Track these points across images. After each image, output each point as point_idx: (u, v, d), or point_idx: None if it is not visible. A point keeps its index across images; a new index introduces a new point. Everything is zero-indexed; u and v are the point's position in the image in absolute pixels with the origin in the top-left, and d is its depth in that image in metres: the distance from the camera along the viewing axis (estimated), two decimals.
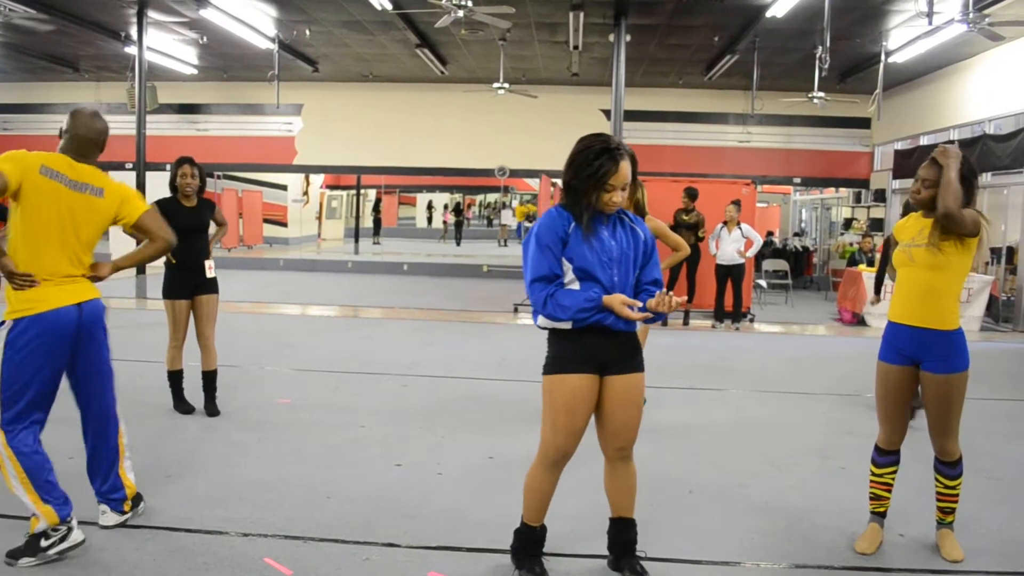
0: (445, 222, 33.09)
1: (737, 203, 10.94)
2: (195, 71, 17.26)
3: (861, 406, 6.69)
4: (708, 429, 5.90)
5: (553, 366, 3.20)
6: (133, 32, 13.90)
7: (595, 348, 3.13)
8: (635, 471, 3.36)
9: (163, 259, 5.69)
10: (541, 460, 3.28)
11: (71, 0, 12.55)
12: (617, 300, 3.03)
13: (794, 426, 6.10)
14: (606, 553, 3.43)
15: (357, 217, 26.89)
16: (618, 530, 3.38)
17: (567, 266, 3.10)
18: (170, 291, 5.80)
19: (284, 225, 25.66)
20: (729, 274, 11.04)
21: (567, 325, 3.11)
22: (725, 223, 10.94)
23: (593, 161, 3.03)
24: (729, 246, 10.88)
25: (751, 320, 11.90)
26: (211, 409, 5.91)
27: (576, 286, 3.10)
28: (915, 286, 3.60)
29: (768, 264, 15.75)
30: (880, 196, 17.29)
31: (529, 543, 3.35)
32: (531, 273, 3.11)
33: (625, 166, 3.04)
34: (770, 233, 20.04)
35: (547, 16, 12.61)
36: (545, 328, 3.22)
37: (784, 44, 13.49)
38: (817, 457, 5.27)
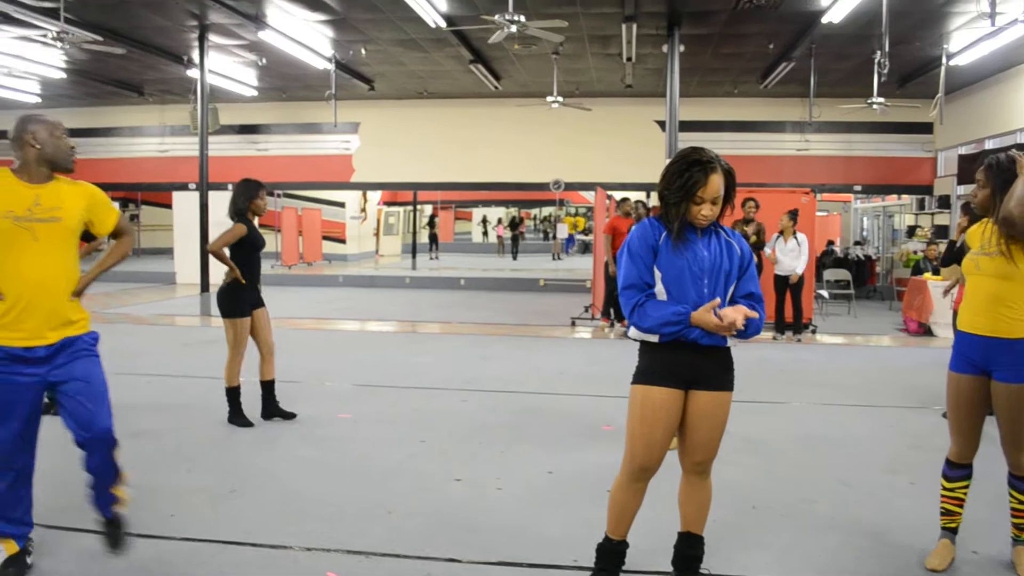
0: (500, 236, 33.19)
1: (792, 213, 10.80)
2: (255, 92, 17.62)
3: (930, 419, 6.52)
4: (771, 443, 5.81)
5: (639, 377, 3.19)
6: (195, 56, 14.27)
7: (682, 362, 3.11)
8: (711, 489, 3.32)
9: (229, 277, 5.85)
10: (623, 471, 3.26)
11: (136, 26, 12.93)
12: (707, 315, 3.00)
13: (860, 440, 5.97)
14: (670, 569, 3.38)
15: (414, 233, 27.09)
16: (685, 545, 3.34)
17: (657, 275, 3.10)
18: (236, 310, 5.95)
19: (343, 242, 25.98)
20: (787, 285, 10.89)
21: (655, 338, 3.10)
22: (781, 233, 10.80)
23: (683, 173, 3.04)
24: (785, 256, 10.75)
25: (813, 331, 11.70)
26: (283, 412, 6.22)
27: (665, 297, 3.09)
28: (982, 295, 3.52)
29: (830, 274, 15.45)
30: (944, 202, 16.86)
31: (607, 557, 3.33)
32: (622, 281, 3.14)
33: (716, 179, 3.03)
34: (830, 242, 19.68)
35: (600, 29, 12.60)
36: (636, 340, 3.21)
37: (841, 50, 13.28)
38: (885, 472, 5.15)
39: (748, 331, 3.08)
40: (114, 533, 3.52)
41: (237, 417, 6.08)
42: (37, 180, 3.40)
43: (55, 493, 4.45)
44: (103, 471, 3.49)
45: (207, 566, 3.57)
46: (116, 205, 3.57)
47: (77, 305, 3.47)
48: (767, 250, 10.76)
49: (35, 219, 3.31)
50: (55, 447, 5.43)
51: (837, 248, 19.64)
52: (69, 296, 3.41)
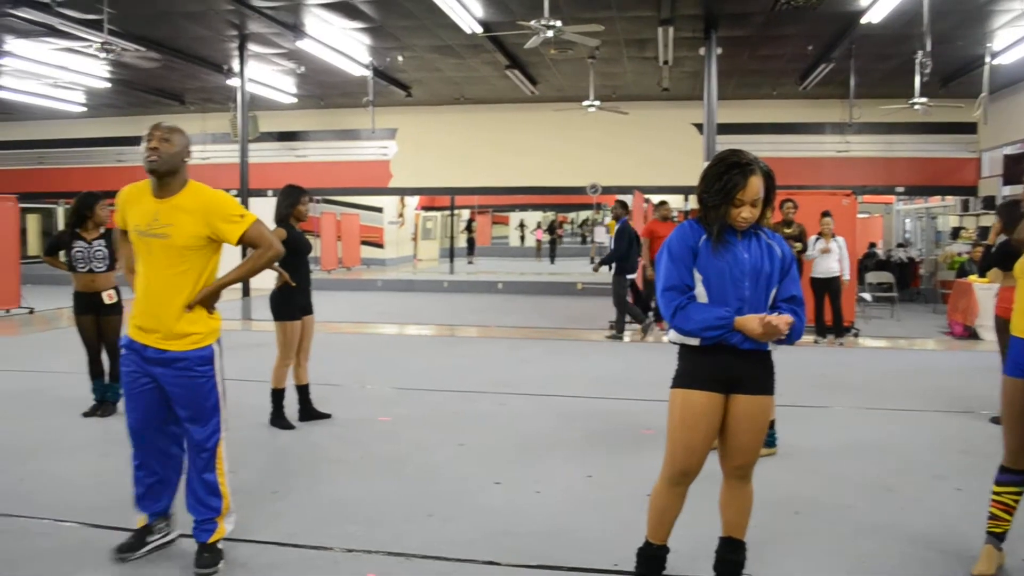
0: (538, 240, 33.19)
1: (829, 214, 10.71)
2: (294, 100, 17.83)
3: (977, 424, 6.39)
4: (813, 448, 5.73)
5: (679, 380, 3.17)
6: (235, 65, 14.49)
7: (723, 366, 3.08)
8: (752, 494, 3.29)
9: (280, 282, 5.96)
10: (663, 475, 3.24)
11: (177, 37, 13.14)
12: (753, 322, 2.98)
13: (904, 445, 5.87)
14: (711, 574, 3.35)
15: (452, 237, 27.20)
16: (727, 550, 3.31)
17: (697, 278, 3.08)
18: (287, 313, 6.06)
19: (381, 247, 26.15)
20: (826, 288, 10.77)
21: (696, 341, 3.08)
22: (820, 235, 10.69)
23: (722, 176, 3.02)
24: (825, 259, 10.63)
25: (855, 335, 11.55)
26: (319, 414, 6.35)
27: (706, 299, 3.07)
28: None
29: (872, 276, 15.23)
30: (990, 203, 16.54)
31: (647, 561, 3.32)
32: (662, 283, 3.11)
33: (755, 181, 3.01)
34: (872, 245, 19.41)
35: (636, 32, 12.57)
36: (676, 343, 3.19)
37: (882, 50, 13.12)
38: (930, 477, 5.06)
39: (791, 337, 3.06)
40: (202, 559, 3.56)
41: (279, 420, 6.16)
42: (161, 194, 3.53)
43: (99, 492, 4.54)
44: (195, 488, 3.61)
45: (248, 567, 3.61)
46: (247, 215, 3.62)
47: (193, 319, 3.53)
48: (810, 252, 10.65)
49: (151, 234, 3.48)
50: (101, 447, 5.54)
51: (879, 250, 19.37)
52: (181, 309, 3.49)
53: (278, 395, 6.18)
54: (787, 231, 10.52)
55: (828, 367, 9.07)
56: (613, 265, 11.17)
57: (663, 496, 3.24)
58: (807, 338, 11.17)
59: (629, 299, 11.37)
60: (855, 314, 12.24)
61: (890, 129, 16.93)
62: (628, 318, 11.28)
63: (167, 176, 3.51)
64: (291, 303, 6.07)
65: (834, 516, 4.31)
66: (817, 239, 10.68)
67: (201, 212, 3.49)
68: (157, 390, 3.57)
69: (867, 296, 14.13)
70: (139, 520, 3.72)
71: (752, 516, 3.31)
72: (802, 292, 3.18)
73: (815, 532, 4.09)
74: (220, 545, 3.63)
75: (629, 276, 11.21)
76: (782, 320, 2.97)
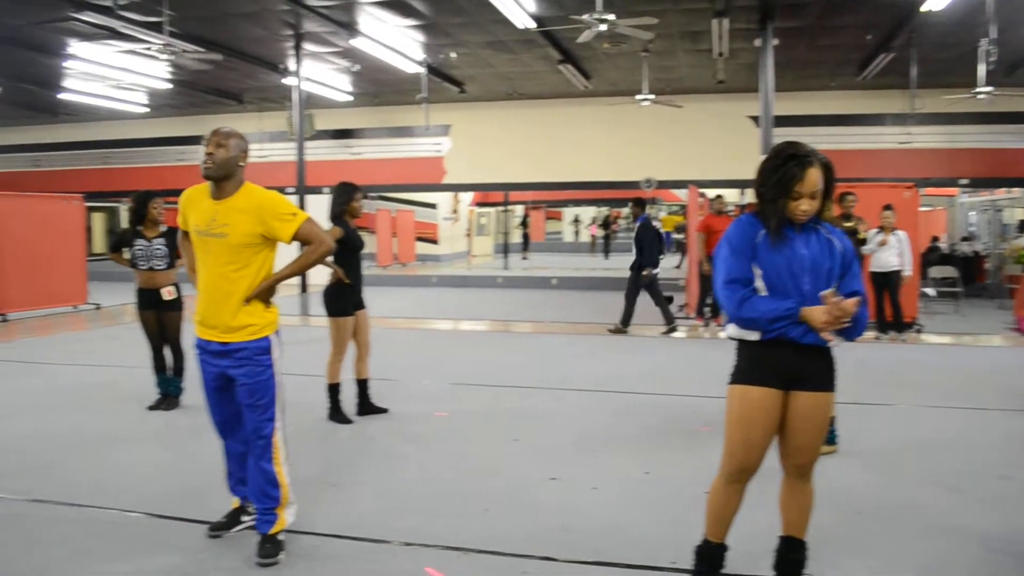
0: (593, 236, 33.07)
1: (891, 207, 10.50)
2: (349, 97, 18.01)
3: None
4: (876, 446, 5.62)
5: (736, 376, 3.14)
6: (291, 64, 14.69)
7: (782, 361, 3.04)
8: (813, 493, 3.24)
9: (333, 278, 6.04)
10: (721, 472, 3.22)
11: (235, 38, 13.37)
12: (819, 311, 2.93)
13: (970, 444, 5.73)
14: (772, 574, 3.31)
15: (506, 233, 27.24)
16: (787, 549, 3.27)
17: (757, 272, 3.04)
18: (342, 309, 6.14)
19: (435, 243, 26.31)
20: (886, 282, 10.57)
21: (755, 336, 3.04)
22: (881, 228, 10.48)
23: (779, 168, 2.99)
24: (884, 252, 10.42)
25: (918, 331, 11.30)
26: (377, 408, 6.44)
27: (765, 294, 3.03)
28: None
29: (935, 271, 14.88)
30: None
31: (705, 559, 3.29)
32: (723, 275, 3.07)
33: (813, 173, 2.97)
34: (935, 238, 18.97)
35: (690, 24, 12.44)
36: (734, 338, 3.16)
37: (944, 39, 12.78)
38: (996, 477, 4.92)
39: (853, 331, 2.99)
40: (263, 549, 3.66)
41: (337, 414, 6.24)
42: (219, 195, 3.66)
43: (163, 483, 4.65)
44: (255, 476, 3.73)
45: (309, 558, 3.67)
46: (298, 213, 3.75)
47: (250, 311, 3.67)
48: (869, 245, 10.45)
49: (210, 234, 3.62)
50: (165, 439, 5.67)
51: (943, 244, 18.92)
52: (239, 304, 3.64)
53: (334, 390, 6.27)
54: (847, 225, 10.32)
55: (891, 364, 8.89)
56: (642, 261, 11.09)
57: (721, 493, 3.22)
58: (868, 334, 10.97)
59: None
60: (918, 310, 11.97)
61: (953, 119, 16.47)
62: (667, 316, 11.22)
63: (223, 179, 3.64)
64: (344, 299, 6.14)
65: (897, 517, 4.22)
66: (877, 232, 10.47)
67: (255, 212, 3.62)
68: (229, 384, 3.73)
69: (930, 291, 13.81)
70: (233, 502, 3.92)
71: (813, 515, 3.26)
72: (865, 288, 3.11)
73: (878, 533, 4.01)
74: (281, 537, 3.71)
75: (651, 271, 11.05)
76: (849, 302, 2.91)
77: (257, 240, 3.64)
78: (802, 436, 3.10)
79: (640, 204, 11.49)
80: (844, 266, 3.09)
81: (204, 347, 3.73)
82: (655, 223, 12.21)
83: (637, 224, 11.26)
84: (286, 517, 3.76)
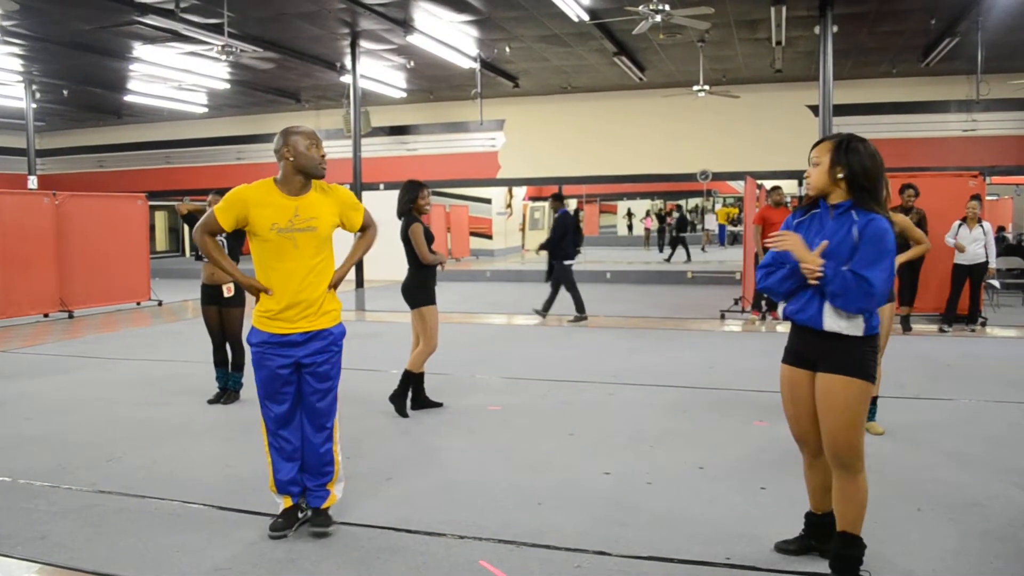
0: (647, 229, 32.81)
1: (978, 197, 10.32)
2: (404, 94, 18.14)
3: None
4: (938, 442, 5.48)
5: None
6: (347, 62, 14.85)
7: (798, 342, 3.29)
8: (860, 487, 3.18)
9: (418, 270, 6.14)
10: None
11: (292, 37, 13.56)
12: (803, 251, 3.15)
13: None
14: (828, 571, 3.27)
15: None
16: (840, 544, 3.22)
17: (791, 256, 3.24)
18: (426, 298, 6.32)
19: (489, 237, 26.39)
20: (969, 274, 10.36)
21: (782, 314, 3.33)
22: (964, 219, 10.25)
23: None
24: (969, 244, 10.22)
25: (982, 323, 11.01)
26: (431, 403, 6.52)
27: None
28: None
29: (1001, 262, 14.45)
30: None
31: (808, 527, 3.54)
32: (763, 262, 3.36)
33: (820, 147, 3.25)
34: (1001, 228, 18.43)
35: (747, 13, 12.27)
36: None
37: (1012, 21, 12.40)
38: None
39: (841, 297, 3.05)
40: (318, 519, 3.89)
41: (400, 400, 6.30)
42: (295, 191, 3.79)
43: (223, 475, 4.74)
44: (314, 455, 3.91)
45: (364, 549, 3.72)
46: (360, 202, 4.08)
47: (332, 296, 3.91)
48: (949, 239, 10.26)
49: (295, 229, 3.74)
50: (225, 432, 5.79)
51: (1009, 234, 18.38)
52: (325, 289, 3.85)
53: (418, 380, 6.40)
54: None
55: (954, 357, 8.67)
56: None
57: (804, 467, 3.47)
58: (931, 326, 10.73)
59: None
60: (983, 302, 11.66)
61: (1021, 105, 16.00)
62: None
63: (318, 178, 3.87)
64: (428, 288, 6.28)
65: (960, 515, 4.11)
66: (960, 224, 10.27)
67: (336, 204, 3.91)
68: (296, 374, 3.86)
69: (995, 283, 13.43)
70: (284, 501, 3.95)
71: (870, 512, 3.21)
72: (878, 275, 3.02)
73: (940, 531, 3.91)
74: (331, 511, 3.95)
75: (567, 262, 12.06)
76: (814, 251, 3.12)
77: (334, 230, 3.90)
78: (823, 420, 3.19)
79: (558, 199, 12.42)
80: (853, 248, 3.10)
81: (280, 342, 3.79)
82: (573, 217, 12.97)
83: (557, 215, 12.06)
84: (336, 493, 4.00)
